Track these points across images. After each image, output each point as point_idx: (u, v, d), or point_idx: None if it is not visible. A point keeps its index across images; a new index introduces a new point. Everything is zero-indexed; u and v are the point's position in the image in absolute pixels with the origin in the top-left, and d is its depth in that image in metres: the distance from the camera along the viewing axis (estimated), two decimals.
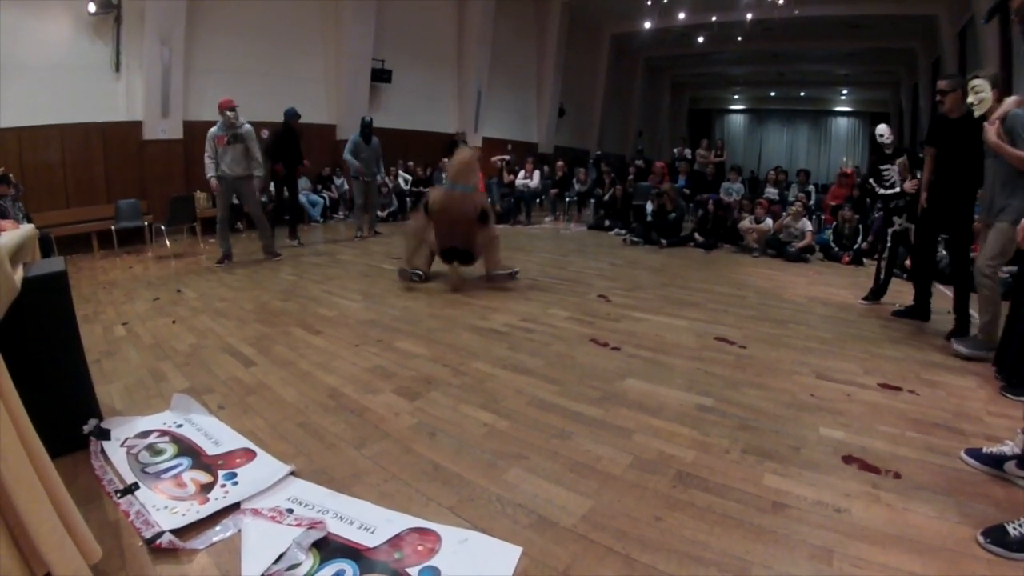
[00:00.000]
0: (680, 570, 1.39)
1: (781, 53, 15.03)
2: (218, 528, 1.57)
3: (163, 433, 2.13)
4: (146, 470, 1.88)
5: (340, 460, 1.93)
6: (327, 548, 1.48)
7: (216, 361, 2.93)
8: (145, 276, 5.23)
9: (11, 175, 5.14)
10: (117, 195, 6.82)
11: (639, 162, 10.76)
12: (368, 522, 1.57)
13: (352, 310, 3.92)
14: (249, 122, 5.53)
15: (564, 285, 4.74)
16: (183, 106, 7.34)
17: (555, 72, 13.85)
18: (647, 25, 12.20)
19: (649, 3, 11.09)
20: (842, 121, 21.76)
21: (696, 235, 7.07)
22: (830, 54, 14.96)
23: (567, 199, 10.03)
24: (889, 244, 4.26)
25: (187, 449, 2.02)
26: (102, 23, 6.62)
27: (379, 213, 8.44)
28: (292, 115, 6.85)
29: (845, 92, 20.41)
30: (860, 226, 6.18)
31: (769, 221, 6.57)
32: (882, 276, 4.21)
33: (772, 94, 21.56)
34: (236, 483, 1.79)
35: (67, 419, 1.98)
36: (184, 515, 1.61)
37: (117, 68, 6.82)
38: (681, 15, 11.67)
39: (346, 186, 9.16)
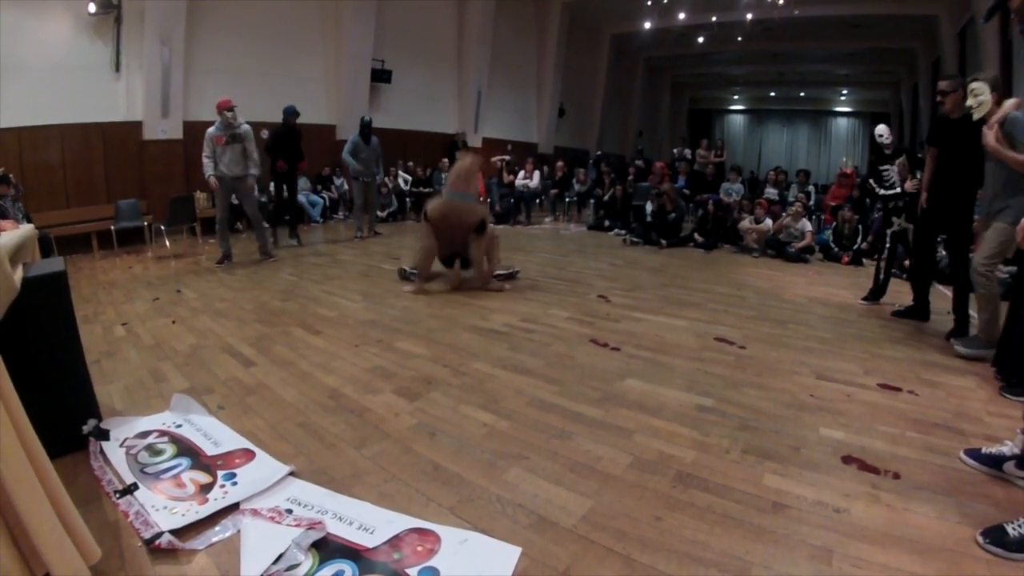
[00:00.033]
0: (680, 570, 1.39)
1: (781, 53, 15.02)
2: (217, 528, 1.57)
3: (162, 433, 2.13)
4: (145, 470, 1.88)
5: (340, 460, 1.93)
6: (326, 548, 1.48)
7: (216, 361, 2.93)
8: (145, 276, 5.23)
9: (11, 175, 5.14)
10: (117, 195, 6.82)
11: (639, 162, 10.77)
12: (367, 523, 1.57)
13: (352, 310, 3.92)
14: (248, 122, 5.53)
15: (564, 285, 4.74)
16: (183, 106, 7.35)
17: (555, 72, 13.84)
18: (647, 25, 12.20)
19: (649, 3, 11.09)
20: (842, 121, 21.77)
21: (696, 235, 7.07)
22: (830, 54, 14.95)
23: (567, 199, 10.03)
24: (888, 244, 4.28)
25: (186, 449, 2.02)
26: (102, 23, 6.63)
27: (379, 213, 8.44)
28: (291, 113, 6.82)
29: (845, 92, 20.41)
30: (860, 226, 6.18)
31: (769, 221, 6.57)
32: (881, 276, 4.22)
33: (772, 94, 21.57)
34: (235, 483, 1.79)
35: (67, 419, 1.98)
36: (183, 515, 1.61)
37: (117, 68, 6.83)
38: (681, 15, 11.67)
39: (346, 186, 9.16)
